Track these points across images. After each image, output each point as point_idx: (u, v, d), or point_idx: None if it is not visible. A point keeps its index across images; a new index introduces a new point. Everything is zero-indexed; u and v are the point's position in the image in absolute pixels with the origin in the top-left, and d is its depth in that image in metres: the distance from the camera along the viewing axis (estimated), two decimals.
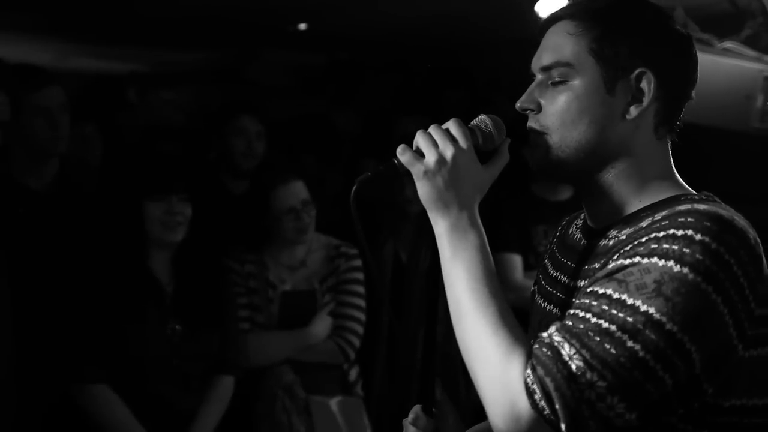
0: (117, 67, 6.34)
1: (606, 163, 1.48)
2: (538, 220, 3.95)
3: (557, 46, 1.48)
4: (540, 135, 1.48)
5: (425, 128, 1.46)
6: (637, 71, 1.45)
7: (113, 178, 3.55)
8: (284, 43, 5.58)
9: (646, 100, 1.46)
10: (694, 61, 1.51)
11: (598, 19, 1.47)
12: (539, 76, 1.51)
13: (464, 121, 1.47)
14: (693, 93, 1.52)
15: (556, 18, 1.51)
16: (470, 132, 1.45)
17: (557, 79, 1.47)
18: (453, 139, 1.43)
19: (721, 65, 3.22)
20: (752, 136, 3.26)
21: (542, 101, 1.49)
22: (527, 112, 1.50)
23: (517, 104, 1.51)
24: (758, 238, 1.35)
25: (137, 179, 3.06)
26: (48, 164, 3.19)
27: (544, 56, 1.50)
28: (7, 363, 2.68)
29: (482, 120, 1.49)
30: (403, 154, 1.44)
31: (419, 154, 1.43)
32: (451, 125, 1.45)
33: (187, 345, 3.00)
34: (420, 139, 1.44)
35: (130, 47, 5.98)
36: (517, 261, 3.90)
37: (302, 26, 5.11)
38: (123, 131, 4.50)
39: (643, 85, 1.45)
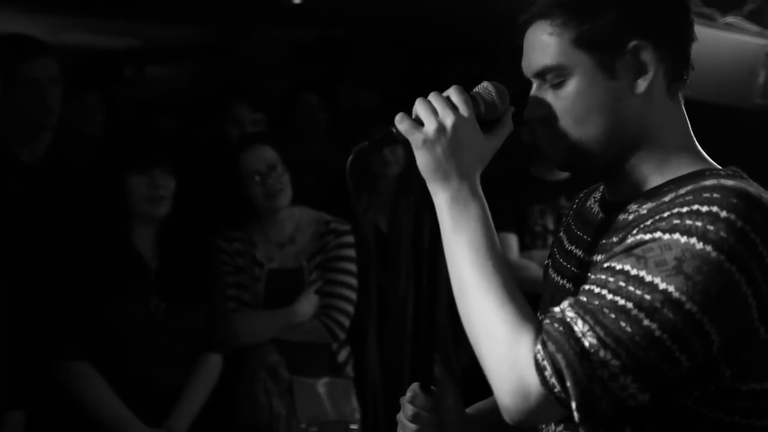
0: (109, 41, 6.28)
1: (628, 143, 1.42)
2: (534, 199, 3.93)
3: (541, 51, 1.42)
4: (558, 138, 1.43)
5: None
6: (631, 45, 1.38)
7: (98, 152, 3.51)
8: (279, 17, 5.52)
9: (651, 71, 1.39)
10: (685, 6, 1.44)
11: (570, 9, 1.39)
12: (535, 82, 1.45)
13: (466, 89, 1.42)
14: (695, 32, 1.45)
15: (528, 22, 1.44)
16: (472, 100, 1.40)
17: (554, 82, 1.42)
18: (453, 107, 1.38)
19: (723, 40, 3.20)
20: (754, 112, 3.23)
21: (550, 103, 1.43)
22: (539, 119, 1.45)
23: (526, 115, 1.46)
24: None
25: (120, 152, 3.00)
26: (40, 137, 3.14)
27: (532, 62, 1.44)
28: None
29: (485, 87, 1.44)
30: (401, 123, 1.39)
31: (418, 123, 1.39)
32: (452, 92, 1.40)
33: (172, 322, 2.96)
34: (419, 107, 1.39)
35: (122, 22, 5.92)
36: (512, 240, 3.87)
37: (297, 0, 5.04)
38: (119, 106, 4.45)
39: (643, 57, 1.39)
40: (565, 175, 3.90)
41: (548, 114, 1.43)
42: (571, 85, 1.41)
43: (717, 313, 1.21)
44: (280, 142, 3.36)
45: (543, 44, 1.41)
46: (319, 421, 3.17)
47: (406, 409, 1.58)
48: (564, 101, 1.41)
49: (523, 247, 3.89)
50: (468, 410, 1.66)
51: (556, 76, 1.41)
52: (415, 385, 1.60)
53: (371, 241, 3.56)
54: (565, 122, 1.42)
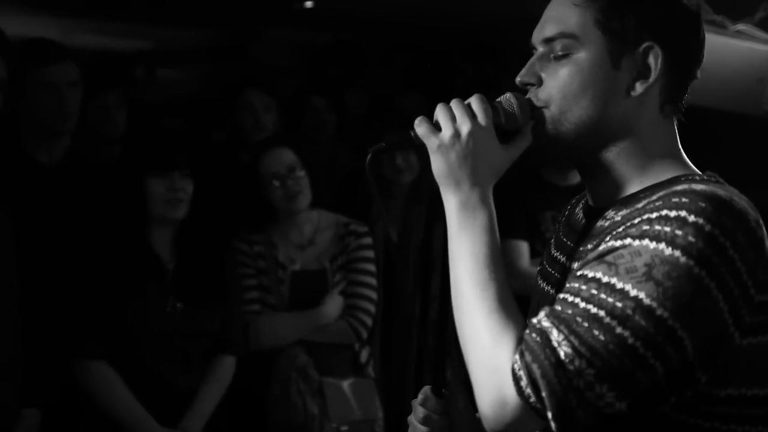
0: (121, 44, 6.31)
1: (607, 141, 1.43)
2: (546, 205, 3.87)
3: (561, 17, 1.43)
4: (538, 109, 1.44)
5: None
6: (645, 45, 1.40)
7: (124, 152, 3.52)
8: (289, 20, 5.54)
9: (652, 76, 1.41)
10: (702, 39, 1.46)
11: None
12: (541, 49, 1.45)
13: (489, 98, 1.42)
14: (698, 72, 1.46)
15: None
16: (493, 110, 1.41)
17: (560, 53, 1.42)
18: (472, 115, 1.39)
19: (733, 47, 3.19)
20: (764, 120, 3.23)
21: (543, 75, 1.44)
22: (528, 86, 1.45)
23: (518, 78, 1.46)
24: (760, 221, 1.30)
25: (139, 155, 3.03)
26: (58, 140, 3.14)
27: (547, 27, 1.44)
28: (14, 339, 2.66)
29: (507, 98, 1.44)
30: (419, 126, 1.40)
31: (436, 127, 1.40)
32: (474, 100, 1.41)
33: (188, 323, 2.98)
34: (439, 112, 1.40)
35: (133, 24, 5.94)
36: (523, 248, 3.83)
37: (308, 4, 5.06)
38: (130, 108, 4.46)
39: (650, 60, 1.40)
40: (577, 180, 3.85)
41: (539, 83, 1.44)
42: (575, 61, 1.41)
43: (689, 319, 1.21)
44: (300, 144, 3.38)
45: (566, 12, 1.42)
46: (348, 421, 3.20)
47: (417, 412, 1.59)
48: (562, 75, 1.42)
49: (535, 254, 3.85)
50: (478, 414, 1.66)
51: (564, 47, 1.42)
52: (426, 388, 1.61)
53: (381, 245, 3.57)
54: (554, 95, 1.42)
